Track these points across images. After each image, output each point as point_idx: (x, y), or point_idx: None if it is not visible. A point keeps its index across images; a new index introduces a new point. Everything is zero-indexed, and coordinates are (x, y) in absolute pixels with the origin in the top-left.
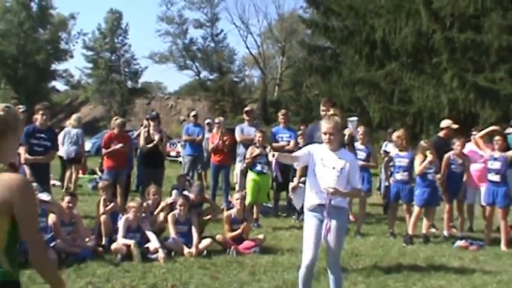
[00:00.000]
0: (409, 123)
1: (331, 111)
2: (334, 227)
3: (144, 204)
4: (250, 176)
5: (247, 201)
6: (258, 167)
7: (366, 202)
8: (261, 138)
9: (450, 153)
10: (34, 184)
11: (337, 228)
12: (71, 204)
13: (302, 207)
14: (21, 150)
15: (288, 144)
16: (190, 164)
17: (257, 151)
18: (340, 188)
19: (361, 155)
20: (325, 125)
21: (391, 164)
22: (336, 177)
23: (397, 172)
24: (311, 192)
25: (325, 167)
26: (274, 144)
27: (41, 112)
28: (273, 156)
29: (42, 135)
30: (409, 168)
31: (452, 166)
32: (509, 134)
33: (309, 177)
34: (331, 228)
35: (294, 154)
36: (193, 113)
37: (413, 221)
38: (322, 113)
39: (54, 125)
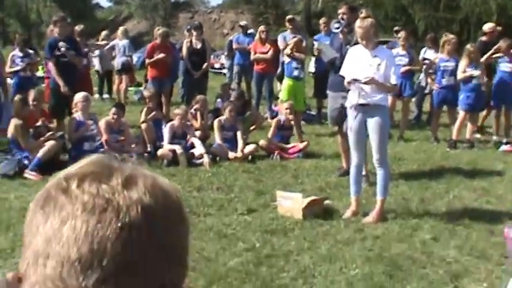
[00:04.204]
0: (455, 30)
1: (364, 13)
2: (377, 125)
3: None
4: (286, 81)
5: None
6: (295, 73)
7: (408, 108)
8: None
9: (499, 52)
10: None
11: (380, 125)
12: (116, 116)
13: None
14: (49, 63)
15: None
16: (240, 73)
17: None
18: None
19: (403, 60)
20: (359, 31)
21: (430, 70)
22: (373, 74)
23: (443, 77)
24: (351, 93)
25: (362, 65)
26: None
27: (58, 24)
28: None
29: (61, 44)
30: (455, 73)
31: (501, 68)
32: None
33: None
34: (373, 127)
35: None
36: (242, 22)
37: (457, 126)
38: (339, 16)
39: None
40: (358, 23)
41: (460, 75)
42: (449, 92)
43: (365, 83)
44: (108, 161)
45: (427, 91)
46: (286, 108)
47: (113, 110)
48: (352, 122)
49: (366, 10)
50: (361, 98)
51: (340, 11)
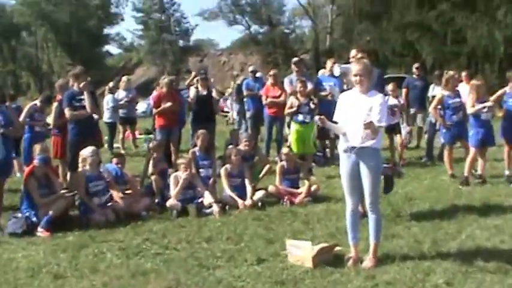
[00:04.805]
0: (463, 64)
1: (359, 55)
2: (370, 167)
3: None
4: (293, 127)
5: (294, 152)
6: (300, 117)
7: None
8: (302, 89)
9: (505, 88)
10: (92, 148)
11: (373, 168)
12: (119, 165)
13: None
14: (66, 111)
15: (330, 94)
16: (252, 119)
17: (297, 102)
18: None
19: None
20: (355, 67)
21: (439, 107)
22: (366, 116)
23: (454, 114)
24: (343, 136)
25: (356, 109)
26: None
27: (80, 78)
28: (320, 120)
29: (82, 96)
30: (463, 107)
31: (509, 103)
32: None
33: (341, 122)
34: (367, 170)
35: (336, 125)
36: (251, 68)
37: (469, 162)
38: (351, 60)
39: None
40: (352, 65)
41: (470, 109)
42: (460, 127)
43: (365, 127)
44: None
45: (437, 127)
46: (285, 154)
47: (115, 160)
48: (345, 166)
49: (357, 50)
50: (356, 141)
51: (351, 54)
